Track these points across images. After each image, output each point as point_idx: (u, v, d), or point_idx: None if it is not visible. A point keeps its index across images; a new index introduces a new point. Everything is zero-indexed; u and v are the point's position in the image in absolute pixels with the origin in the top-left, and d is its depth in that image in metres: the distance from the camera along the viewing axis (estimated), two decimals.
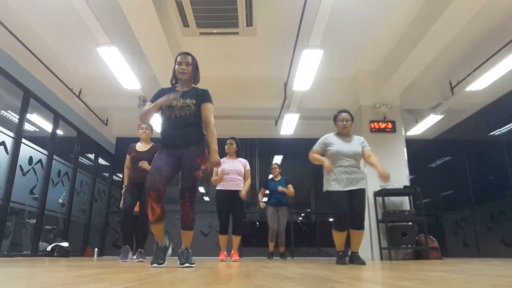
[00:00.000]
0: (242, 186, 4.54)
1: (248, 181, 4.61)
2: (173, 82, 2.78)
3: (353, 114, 3.78)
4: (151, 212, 2.46)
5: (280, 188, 5.65)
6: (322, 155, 3.57)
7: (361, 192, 3.45)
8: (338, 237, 3.45)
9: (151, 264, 2.46)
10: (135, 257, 4.33)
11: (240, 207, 4.51)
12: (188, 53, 2.73)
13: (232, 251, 4.63)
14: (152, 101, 2.68)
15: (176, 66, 2.69)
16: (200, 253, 7.06)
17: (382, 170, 3.29)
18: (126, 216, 4.17)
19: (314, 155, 3.56)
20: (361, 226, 3.42)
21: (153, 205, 2.46)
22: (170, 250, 2.68)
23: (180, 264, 2.52)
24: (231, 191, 4.47)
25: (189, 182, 2.52)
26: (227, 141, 4.71)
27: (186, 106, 2.59)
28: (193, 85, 2.77)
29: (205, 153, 2.62)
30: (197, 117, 2.65)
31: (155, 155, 2.66)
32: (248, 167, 4.67)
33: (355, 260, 3.36)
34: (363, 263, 3.30)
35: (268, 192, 5.85)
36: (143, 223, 4.20)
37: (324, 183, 3.55)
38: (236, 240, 4.59)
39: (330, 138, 3.60)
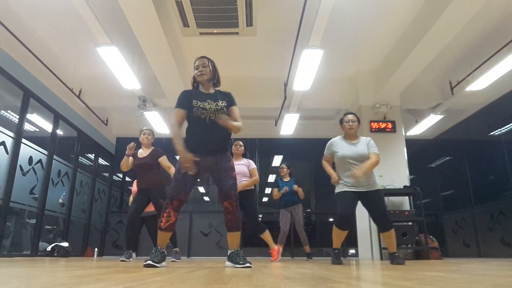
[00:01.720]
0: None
1: (255, 178, 4.48)
2: (195, 86, 2.75)
3: None
4: (165, 219, 2.45)
5: (295, 187, 5.58)
6: (332, 160, 3.58)
7: (378, 193, 3.39)
8: (338, 235, 3.40)
9: (146, 261, 2.38)
10: (131, 259, 4.34)
11: (252, 208, 4.42)
12: (203, 56, 2.75)
13: (271, 249, 4.48)
14: (178, 104, 2.62)
15: (195, 71, 2.70)
16: (200, 253, 7.07)
17: (358, 171, 3.22)
18: (130, 222, 4.19)
19: (325, 164, 3.59)
20: (389, 227, 3.36)
21: (171, 213, 2.47)
22: (164, 263, 2.54)
23: (239, 264, 2.48)
24: (242, 192, 4.39)
25: (230, 181, 2.53)
26: (235, 143, 4.67)
27: (220, 109, 2.58)
28: (215, 88, 2.75)
29: (232, 160, 2.66)
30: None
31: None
32: (253, 166, 4.58)
33: (395, 260, 3.34)
34: (403, 263, 3.28)
35: (278, 191, 5.77)
36: (155, 223, 4.17)
37: (336, 186, 3.54)
38: (266, 237, 4.40)
39: (336, 142, 3.57)
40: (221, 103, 2.61)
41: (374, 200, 3.36)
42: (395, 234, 3.44)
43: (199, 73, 2.66)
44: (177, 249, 4.35)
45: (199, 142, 2.56)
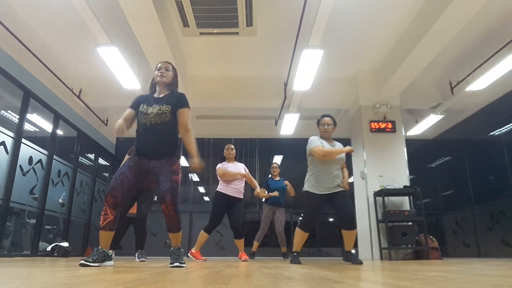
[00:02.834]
0: (242, 194, 4.62)
1: (254, 181, 4.76)
2: (151, 90, 2.75)
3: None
4: (103, 217, 2.40)
5: (286, 183, 5.64)
6: None
7: (345, 193, 3.48)
8: (301, 237, 3.52)
9: (80, 261, 2.34)
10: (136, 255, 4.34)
11: (238, 213, 4.53)
12: (168, 62, 2.77)
13: (240, 253, 4.62)
14: (130, 105, 2.66)
15: (155, 71, 2.70)
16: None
17: (347, 183, 3.55)
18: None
19: (326, 150, 3.46)
20: (353, 226, 3.42)
21: (107, 210, 2.40)
22: (110, 263, 2.46)
23: (170, 263, 2.46)
24: (232, 197, 4.52)
25: (168, 184, 2.46)
26: (226, 146, 4.73)
27: (161, 113, 2.55)
28: (170, 91, 2.73)
29: (179, 164, 2.60)
30: (173, 124, 2.60)
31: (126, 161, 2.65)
32: (247, 170, 4.78)
33: (352, 259, 3.37)
34: (361, 262, 3.30)
35: (267, 192, 5.76)
36: (141, 224, 4.21)
37: (306, 182, 3.58)
38: (240, 243, 4.59)
39: (319, 139, 3.61)
40: (165, 108, 2.56)
41: (344, 198, 3.42)
42: (355, 235, 3.50)
43: (159, 74, 2.66)
44: (142, 250, 4.35)
45: (142, 146, 2.57)
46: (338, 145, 3.63)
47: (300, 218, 3.70)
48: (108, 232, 2.42)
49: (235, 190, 4.54)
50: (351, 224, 3.40)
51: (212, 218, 4.49)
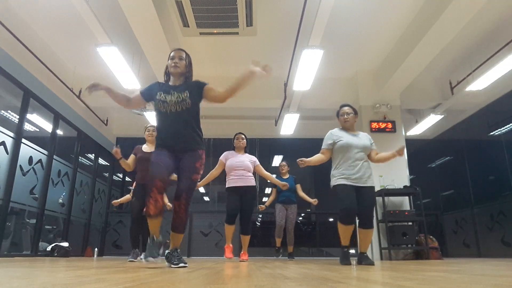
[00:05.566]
0: (252, 181, 4.43)
1: (268, 174, 4.56)
2: (165, 78, 2.68)
3: None
4: (153, 204, 2.29)
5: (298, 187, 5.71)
6: (329, 155, 3.47)
7: (371, 190, 3.32)
8: (344, 231, 3.26)
9: (145, 258, 2.34)
10: (142, 257, 4.33)
11: (250, 204, 4.36)
12: (181, 49, 2.67)
13: (242, 252, 4.48)
14: (144, 92, 2.60)
15: (169, 61, 2.62)
16: (200, 253, 7.06)
17: (394, 152, 3.30)
18: (135, 221, 4.17)
19: (315, 156, 3.46)
20: (370, 225, 3.27)
21: (157, 197, 2.29)
22: (163, 248, 2.49)
23: (174, 264, 2.39)
24: (241, 187, 4.36)
25: (187, 183, 2.43)
26: (236, 136, 4.60)
27: (181, 101, 2.47)
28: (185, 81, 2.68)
29: (203, 158, 2.54)
30: (194, 112, 2.54)
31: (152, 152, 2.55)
32: (258, 162, 4.56)
33: (364, 260, 3.20)
34: (372, 263, 3.16)
35: (277, 190, 5.72)
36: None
37: (331, 179, 3.41)
38: (245, 240, 4.44)
39: (336, 132, 3.50)
40: (184, 94, 2.49)
41: (368, 195, 3.28)
42: (371, 236, 3.35)
43: (173, 64, 2.58)
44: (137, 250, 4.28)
45: (166, 137, 2.47)
46: (364, 135, 3.48)
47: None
48: (159, 219, 2.36)
49: (243, 180, 4.35)
50: (367, 222, 3.25)
51: (227, 211, 4.36)
